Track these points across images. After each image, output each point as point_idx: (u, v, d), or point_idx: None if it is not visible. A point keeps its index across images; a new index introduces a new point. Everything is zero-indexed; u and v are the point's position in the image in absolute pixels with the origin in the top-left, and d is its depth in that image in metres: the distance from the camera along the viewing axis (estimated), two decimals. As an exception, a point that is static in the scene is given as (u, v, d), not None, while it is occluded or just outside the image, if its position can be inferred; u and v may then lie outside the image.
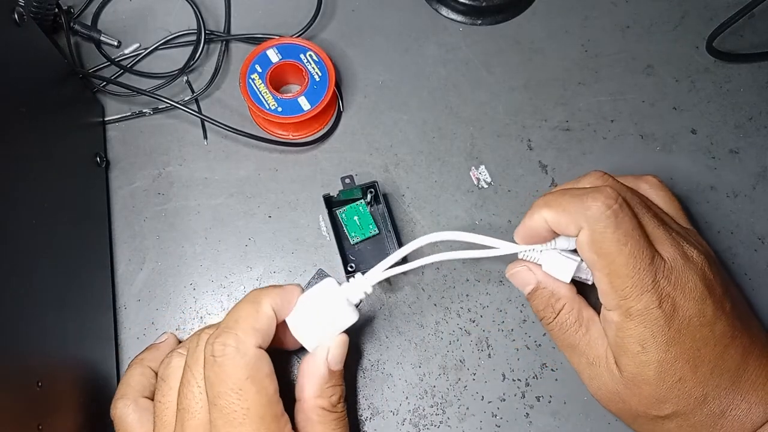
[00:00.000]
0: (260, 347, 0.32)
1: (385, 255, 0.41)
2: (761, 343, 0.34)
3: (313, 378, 0.33)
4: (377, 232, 0.42)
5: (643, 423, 0.34)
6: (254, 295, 0.33)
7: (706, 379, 0.32)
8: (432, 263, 0.37)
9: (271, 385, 0.31)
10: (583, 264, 0.35)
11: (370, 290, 0.35)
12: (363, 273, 0.38)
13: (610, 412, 0.36)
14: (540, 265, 0.36)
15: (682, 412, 0.32)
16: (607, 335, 0.34)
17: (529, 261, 0.37)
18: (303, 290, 0.35)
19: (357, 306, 0.35)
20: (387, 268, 0.35)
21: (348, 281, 0.35)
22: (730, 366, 0.32)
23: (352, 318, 0.35)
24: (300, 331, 0.34)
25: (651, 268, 0.31)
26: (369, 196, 0.42)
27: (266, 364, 0.32)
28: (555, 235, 0.35)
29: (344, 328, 0.35)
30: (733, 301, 0.34)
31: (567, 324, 0.35)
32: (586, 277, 0.36)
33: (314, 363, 0.34)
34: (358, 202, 0.42)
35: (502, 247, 0.36)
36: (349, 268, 0.40)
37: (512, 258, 0.37)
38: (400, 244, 0.41)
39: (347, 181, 0.41)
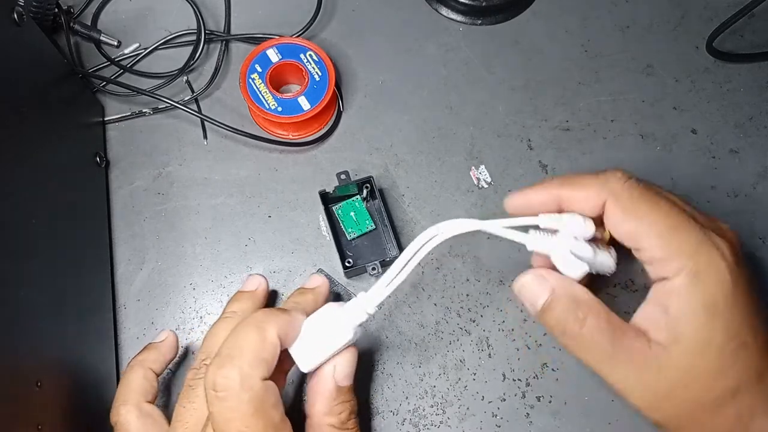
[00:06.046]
0: (265, 379, 0.30)
1: (383, 250, 0.41)
2: None
3: (322, 395, 0.32)
4: (374, 227, 0.42)
5: (700, 416, 0.30)
6: (259, 320, 0.31)
7: (763, 350, 0.30)
8: (431, 254, 0.33)
9: (278, 413, 0.30)
10: (597, 258, 0.33)
11: (372, 311, 0.32)
12: (359, 268, 0.37)
13: (655, 424, 0.32)
14: (552, 262, 0.33)
15: (744, 388, 0.30)
16: (668, 310, 0.30)
17: (541, 254, 0.33)
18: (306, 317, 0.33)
19: (359, 325, 0.33)
20: (388, 284, 0.32)
21: (351, 300, 0.33)
22: None
23: (349, 338, 0.32)
24: (302, 359, 0.32)
25: (696, 224, 0.30)
26: (365, 192, 0.42)
27: (272, 394, 0.30)
28: (551, 209, 0.33)
29: (341, 346, 0.32)
30: None
31: (598, 332, 0.31)
32: (601, 268, 0.33)
33: (322, 380, 0.32)
34: (354, 198, 0.42)
35: (513, 237, 0.33)
36: (347, 264, 0.40)
37: (512, 269, 0.37)
38: (397, 239, 0.41)
39: (343, 176, 0.41)
